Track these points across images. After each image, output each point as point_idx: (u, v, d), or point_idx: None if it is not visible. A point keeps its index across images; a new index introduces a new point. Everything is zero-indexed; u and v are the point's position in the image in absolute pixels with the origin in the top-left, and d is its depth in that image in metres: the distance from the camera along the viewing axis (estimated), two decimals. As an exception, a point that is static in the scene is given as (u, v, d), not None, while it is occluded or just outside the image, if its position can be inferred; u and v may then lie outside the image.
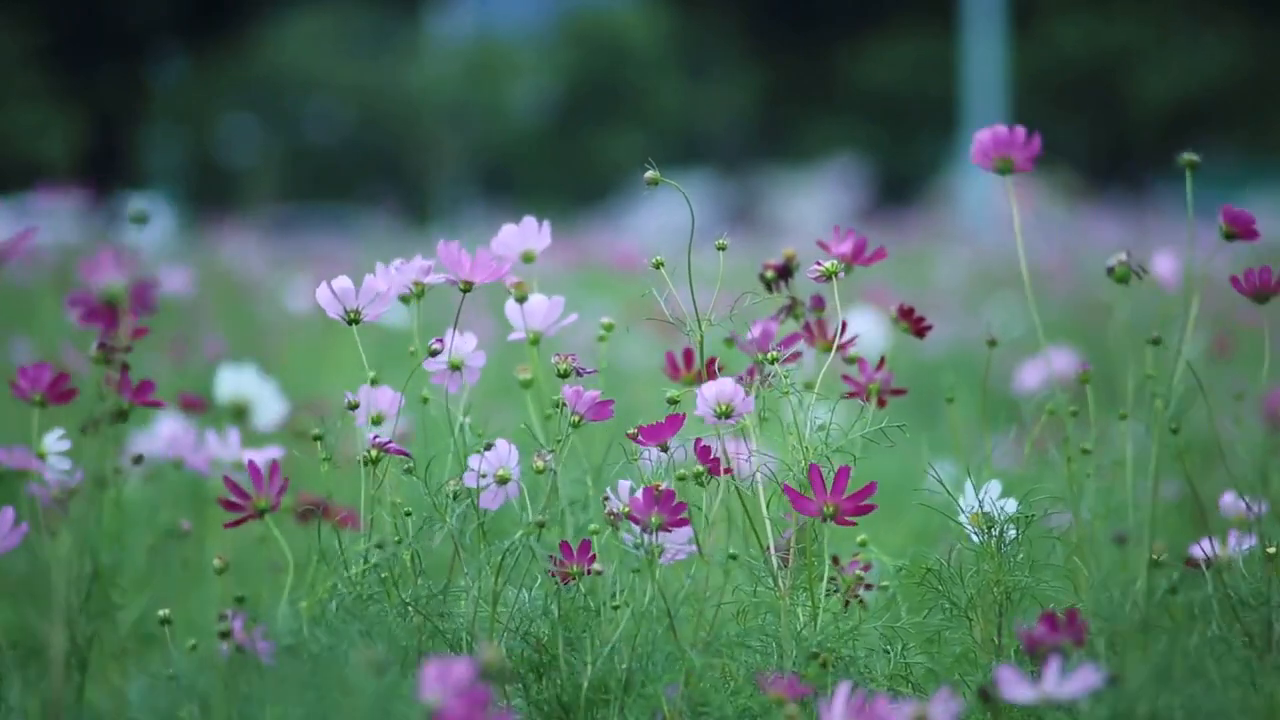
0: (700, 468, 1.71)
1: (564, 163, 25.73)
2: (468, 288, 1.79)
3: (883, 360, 1.93)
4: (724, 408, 1.72)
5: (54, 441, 1.75)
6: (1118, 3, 24.93)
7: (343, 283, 1.77)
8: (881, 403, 1.91)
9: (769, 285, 1.96)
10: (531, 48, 27.12)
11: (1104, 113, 23.36)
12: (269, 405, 2.53)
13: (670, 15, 26.84)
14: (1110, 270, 1.81)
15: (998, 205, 14.91)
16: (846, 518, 1.69)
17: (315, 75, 26.21)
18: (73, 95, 24.45)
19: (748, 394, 1.74)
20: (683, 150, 24.64)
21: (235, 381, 2.52)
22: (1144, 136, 24.70)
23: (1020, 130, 1.80)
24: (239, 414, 2.50)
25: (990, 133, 1.81)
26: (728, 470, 1.73)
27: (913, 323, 1.94)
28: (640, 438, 1.72)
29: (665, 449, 1.72)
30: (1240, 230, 1.76)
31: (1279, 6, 24.43)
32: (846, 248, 1.88)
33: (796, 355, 1.87)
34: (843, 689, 1.48)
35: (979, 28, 17.96)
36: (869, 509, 1.69)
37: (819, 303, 1.96)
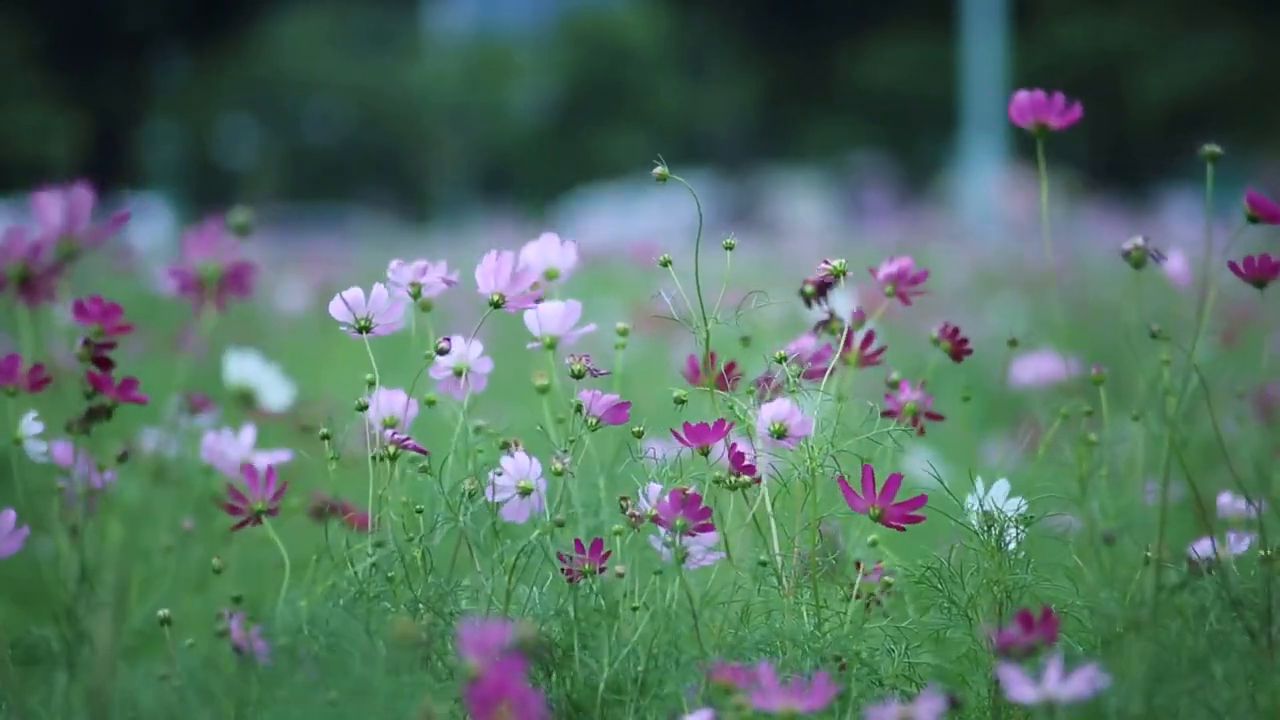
0: (744, 479, 1.71)
1: (564, 162, 25.74)
2: (499, 302, 1.78)
3: (924, 381, 1.93)
4: (778, 427, 1.74)
5: (30, 423, 1.74)
6: (1118, 3, 24.94)
7: (354, 293, 1.76)
8: (915, 424, 1.91)
9: (808, 300, 1.95)
10: (531, 47, 27.13)
11: (1104, 113, 23.37)
12: (274, 390, 2.54)
13: (670, 15, 26.85)
14: (1126, 254, 1.82)
15: (999, 205, 14.92)
16: (892, 522, 1.70)
17: (315, 75, 26.23)
18: (73, 95, 24.46)
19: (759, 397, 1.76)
20: (683, 150, 24.64)
21: (240, 368, 2.53)
22: (1144, 136, 24.70)
23: (1059, 95, 1.84)
24: (245, 400, 2.51)
25: (1028, 95, 1.85)
26: (753, 473, 1.73)
27: (955, 344, 1.94)
28: (684, 438, 1.72)
29: (705, 452, 1.72)
30: (1263, 214, 1.76)
31: (1279, 6, 24.44)
32: (893, 270, 1.90)
33: (823, 371, 1.86)
34: (764, 667, 1.49)
35: (979, 28, 17.96)
36: (917, 519, 1.69)
37: (860, 316, 1.95)
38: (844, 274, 1.86)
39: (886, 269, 1.90)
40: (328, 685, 1.45)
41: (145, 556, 2.31)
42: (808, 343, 1.92)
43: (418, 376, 1.78)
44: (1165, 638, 1.64)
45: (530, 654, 1.34)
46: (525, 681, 1.31)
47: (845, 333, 1.92)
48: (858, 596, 1.78)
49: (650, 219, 15.84)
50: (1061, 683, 1.47)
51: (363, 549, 1.68)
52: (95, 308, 1.69)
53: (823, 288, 1.94)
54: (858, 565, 1.80)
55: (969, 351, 1.94)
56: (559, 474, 1.72)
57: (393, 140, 26.17)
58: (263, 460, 2.28)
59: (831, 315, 1.94)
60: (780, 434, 1.75)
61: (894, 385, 1.92)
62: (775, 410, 1.76)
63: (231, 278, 1.57)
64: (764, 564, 1.76)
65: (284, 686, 1.44)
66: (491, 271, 1.77)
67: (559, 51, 26.83)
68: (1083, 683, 1.46)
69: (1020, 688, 1.47)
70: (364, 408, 1.74)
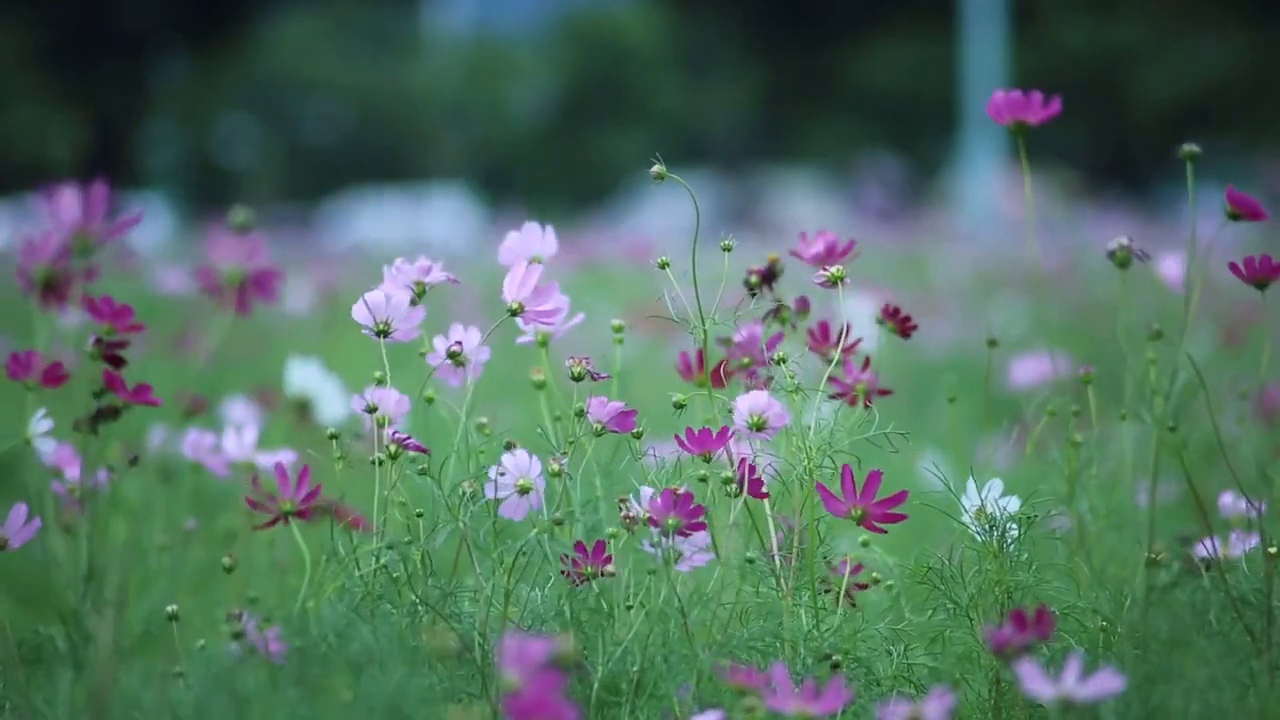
0: (730, 476, 1.71)
1: (564, 162, 25.73)
2: (518, 310, 1.78)
3: (868, 361, 1.94)
4: (757, 419, 1.74)
5: (39, 421, 1.75)
6: (1118, 3, 24.93)
7: (376, 296, 1.77)
8: (868, 403, 1.91)
9: (753, 290, 1.96)
10: (531, 47, 27.12)
11: (1104, 113, 23.36)
12: (333, 401, 2.55)
13: (670, 15, 26.83)
14: (1111, 254, 1.83)
15: (998, 205, 14.92)
16: (875, 523, 1.70)
17: (315, 75, 26.21)
18: (73, 95, 24.44)
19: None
20: (683, 150, 24.63)
21: (301, 377, 2.54)
22: (1144, 137, 24.69)
23: (1036, 94, 1.84)
24: (303, 409, 2.52)
25: (1005, 94, 1.85)
26: (761, 491, 1.73)
27: (899, 323, 1.95)
28: (685, 445, 1.73)
29: (708, 459, 1.72)
30: (1244, 211, 1.77)
31: (1279, 6, 24.43)
32: (820, 248, 1.89)
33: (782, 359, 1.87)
34: (779, 668, 1.50)
35: (979, 28, 17.96)
36: (899, 517, 1.69)
37: (804, 304, 1.97)
38: (782, 267, 1.87)
39: (812, 248, 1.88)
40: (340, 687, 1.46)
41: (142, 555, 2.32)
42: (757, 329, 1.93)
43: (428, 377, 1.79)
44: (1160, 637, 1.64)
45: (569, 669, 1.37)
46: (563, 695, 1.34)
47: (821, 326, 1.93)
48: (829, 591, 1.78)
49: (656, 218, 15.80)
50: (1080, 682, 1.46)
51: (366, 550, 1.69)
52: (107, 307, 1.70)
53: (767, 277, 1.96)
54: (827, 560, 1.80)
55: (914, 328, 1.95)
56: (556, 475, 1.73)
57: (393, 140, 26.15)
58: (265, 460, 2.28)
59: (780, 305, 1.96)
60: (759, 426, 1.75)
61: (837, 365, 1.92)
62: (753, 402, 1.75)
63: (256, 282, 1.58)
64: (751, 561, 1.76)
65: (298, 687, 1.45)
66: (518, 282, 1.77)
67: (559, 51, 26.81)
68: (1101, 684, 1.46)
69: (1037, 683, 1.46)
70: (373, 409, 1.74)
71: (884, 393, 1.93)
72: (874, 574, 1.85)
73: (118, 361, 1.70)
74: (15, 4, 24.44)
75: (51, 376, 1.70)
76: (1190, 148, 1.77)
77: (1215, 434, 1.82)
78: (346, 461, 1.72)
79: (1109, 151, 24.43)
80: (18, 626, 1.76)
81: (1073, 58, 24.01)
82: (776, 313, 1.96)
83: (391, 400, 1.76)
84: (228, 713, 1.44)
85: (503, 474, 1.71)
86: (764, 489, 1.73)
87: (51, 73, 24.41)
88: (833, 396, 1.90)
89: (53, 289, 1.57)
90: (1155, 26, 24.77)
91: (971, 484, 1.77)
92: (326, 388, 2.55)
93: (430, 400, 1.83)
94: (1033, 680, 1.46)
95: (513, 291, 1.77)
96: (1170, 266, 1.95)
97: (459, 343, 1.78)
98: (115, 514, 1.65)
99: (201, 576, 2.62)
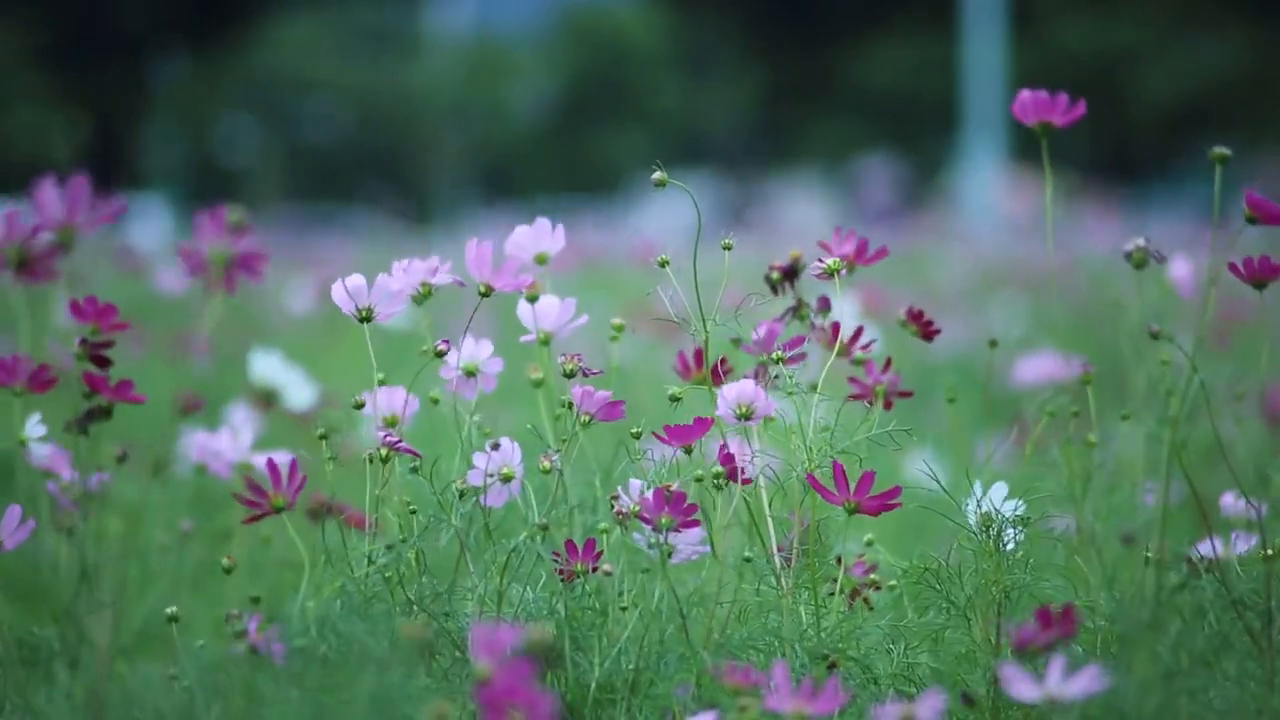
0: (719, 470, 1.70)
1: (564, 162, 25.73)
2: (487, 292, 1.77)
3: (889, 362, 1.93)
4: (744, 409, 1.73)
5: (33, 426, 1.74)
6: (1118, 3, 24.93)
7: (356, 280, 1.76)
8: (888, 405, 1.90)
9: (774, 287, 1.95)
10: (531, 47, 27.13)
11: (1104, 113, 23.36)
12: (297, 390, 2.55)
13: (670, 15, 26.83)
14: (1128, 255, 1.83)
15: (1000, 205, 14.92)
16: (869, 513, 1.70)
17: (315, 75, 26.22)
18: (73, 95, 24.44)
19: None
20: (683, 150, 24.63)
21: (263, 367, 2.54)
22: (1144, 137, 24.69)
23: (1063, 95, 1.85)
24: (269, 399, 2.52)
25: (1032, 94, 1.85)
26: (745, 480, 1.73)
27: (921, 326, 1.93)
28: (666, 438, 1.72)
29: (689, 450, 1.72)
30: (1262, 216, 1.76)
31: (1279, 7, 24.43)
32: (849, 248, 1.87)
33: (801, 356, 1.87)
34: (779, 668, 1.50)
35: (979, 28, 17.96)
36: (891, 507, 1.70)
37: (826, 304, 1.95)
38: (804, 264, 1.87)
39: (842, 246, 1.86)
40: (334, 687, 1.45)
41: (142, 556, 2.31)
42: (777, 327, 1.91)
43: (418, 374, 1.78)
44: (1165, 638, 1.64)
45: (541, 657, 1.35)
46: (536, 684, 1.32)
47: (832, 326, 1.92)
48: (839, 592, 1.77)
49: (656, 218, 15.79)
50: (1064, 682, 1.46)
51: (362, 550, 1.68)
52: (90, 307, 1.69)
53: (789, 274, 1.94)
54: (839, 560, 1.80)
55: (937, 332, 1.94)
56: (546, 472, 1.72)
57: (393, 140, 26.15)
58: (261, 460, 2.28)
59: (800, 303, 1.95)
60: (746, 416, 1.74)
61: (859, 364, 1.91)
62: (739, 391, 1.73)
63: (242, 261, 1.58)
64: (748, 560, 1.75)
65: (296, 687, 1.45)
66: (474, 260, 1.76)
67: (559, 51, 26.82)
68: (1086, 682, 1.46)
69: (1022, 685, 1.46)
70: (361, 405, 1.74)
71: (905, 394, 1.92)
72: (874, 576, 1.84)
73: (104, 362, 1.69)
74: (15, 4, 24.44)
75: (39, 381, 1.69)
76: (1220, 150, 1.77)
77: (1215, 435, 1.81)
78: (339, 462, 1.71)
79: (1109, 151, 24.42)
80: (15, 627, 1.75)
81: (1073, 58, 24.00)
82: (796, 310, 1.95)
83: (399, 401, 1.75)
84: (225, 713, 1.44)
85: (489, 473, 1.71)
86: (744, 474, 1.72)
87: (51, 73, 24.41)
88: (852, 397, 1.89)
89: (27, 265, 1.58)
90: (1155, 26, 24.77)
91: (973, 484, 1.77)
92: (290, 377, 2.56)
93: (435, 401, 1.83)
94: (1018, 683, 1.46)
95: (477, 273, 1.76)
96: (1180, 268, 1.94)
97: (445, 341, 1.77)
98: (110, 513, 1.64)
99: (198, 576, 2.62)
